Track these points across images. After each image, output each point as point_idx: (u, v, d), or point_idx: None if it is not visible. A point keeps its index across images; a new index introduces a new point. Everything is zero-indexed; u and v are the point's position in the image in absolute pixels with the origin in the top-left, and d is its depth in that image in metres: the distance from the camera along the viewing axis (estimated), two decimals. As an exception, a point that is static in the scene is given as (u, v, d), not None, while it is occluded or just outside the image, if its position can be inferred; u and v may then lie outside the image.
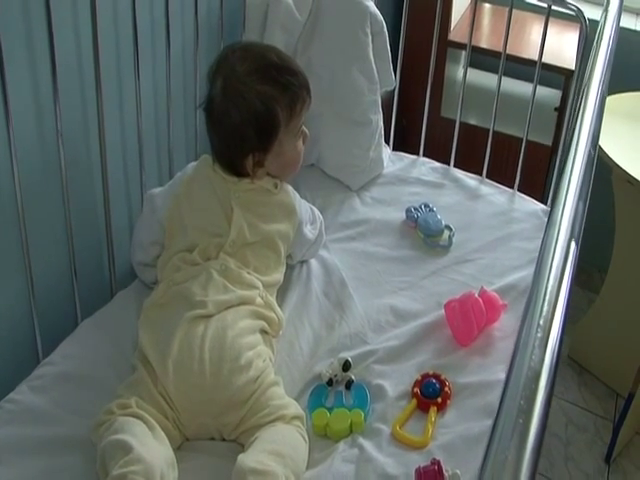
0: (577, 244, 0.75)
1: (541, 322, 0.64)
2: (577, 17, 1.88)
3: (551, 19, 1.92)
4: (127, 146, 1.61)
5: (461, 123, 2.08)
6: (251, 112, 1.42)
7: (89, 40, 1.39)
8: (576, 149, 0.87)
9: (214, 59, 1.49)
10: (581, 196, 0.81)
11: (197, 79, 1.72)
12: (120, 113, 1.56)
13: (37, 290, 1.40)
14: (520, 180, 2.01)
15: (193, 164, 1.55)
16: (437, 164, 2.07)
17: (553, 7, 1.90)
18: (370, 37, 1.86)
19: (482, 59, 2.48)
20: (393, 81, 1.97)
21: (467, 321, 1.48)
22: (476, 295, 1.52)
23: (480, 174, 2.04)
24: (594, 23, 1.67)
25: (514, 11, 1.94)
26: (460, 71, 2.73)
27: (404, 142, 2.21)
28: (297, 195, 1.58)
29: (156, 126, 1.68)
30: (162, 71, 1.63)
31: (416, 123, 2.12)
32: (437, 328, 1.51)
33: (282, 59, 1.49)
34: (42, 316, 1.43)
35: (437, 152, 2.10)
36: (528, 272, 1.65)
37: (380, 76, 1.90)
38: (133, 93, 1.55)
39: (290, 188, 1.56)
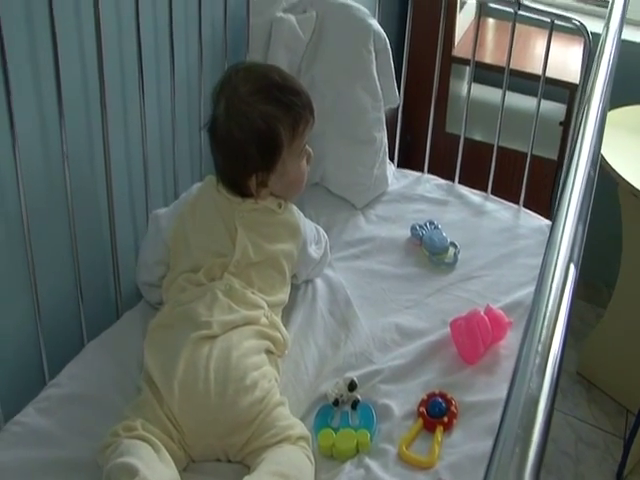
0: (577, 267, 0.75)
1: (539, 348, 0.64)
2: (580, 31, 1.88)
3: (555, 33, 1.92)
4: (132, 166, 1.61)
5: (466, 139, 2.08)
6: (254, 132, 1.42)
7: (94, 60, 1.40)
8: (576, 170, 0.87)
9: (218, 80, 1.50)
10: (581, 217, 0.81)
11: (201, 99, 1.73)
12: (125, 134, 1.57)
13: (43, 311, 1.40)
14: (526, 195, 2.01)
15: (198, 185, 1.56)
16: (442, 181, 2.07)
17: (556, 22, 1.91)
18: (374, 54, 1.86)
19: (486, 74, 2.49)
20: (397, 98, 1.97)
21: (473, 339, 1.48)
22: (482, 313, 1.51)
23: (485, 189, 2.04)
24: (597, 36, 1.67)
25: (518, 25, 1.95)
26: (464, 86, 2.73)
27: (409, 158, 2.21)
28: (301, 215, 1.58)
29: (161, 146, 1.69)
30: (167, 92, 1.64)
31: (421, 139, 2.13)
32: (443, 346, 1.51)
33: (285, 79, 1.49)
34: (48, 337, 1.43)
35: (442, 168, 2.10)
36: (534, 289, 1.64)
37: (384, 93, 1.90)
38: (138, 114, 1.55)
39: (294, 208, 1.56)
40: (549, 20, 1.90)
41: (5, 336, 1.39)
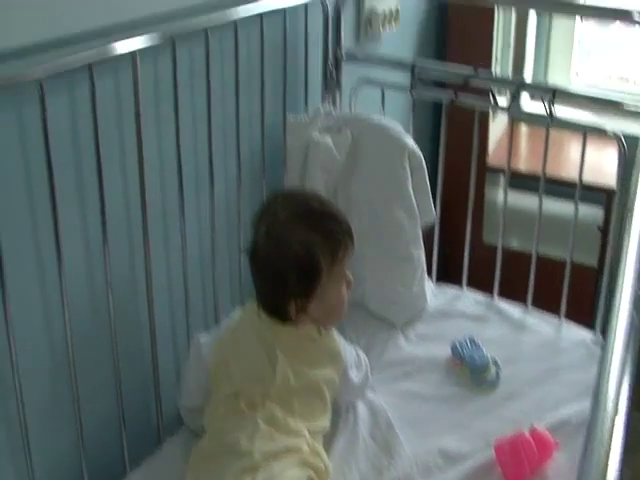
0: (626, 422, 0.74)
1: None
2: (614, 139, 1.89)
3: (589, 136, 1.91)
4: (173, 290, 1.65)
5: (504, 249, 2.07)
6: (293, 258, 1.43)
7: (136, 187, 1.45)
8: (617, 317, 0.86)
9: (258, 206, 1.52)
10: (624, 370, 0.80)
11: (240, 220, 1.76)
12: (166, 259, 1.61)
13: (86, 437, 1.41)
14: (567, 303, 1.99)
15: (239, 310, 1.58)
16: (480, 297, 2.07)
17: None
18: (409, 172, 1.89)
19: (520, 180, 2.49)
20: (433, 214, 1.99)
21: (518, 461, 1.45)
22: (527, 434, 1.49)
23: (525, 299, 2.03)
24: (633, 139, 1.64)
25: (551, 131, 1.95)
26: (500, 193, 2.74)
27: (447, 271, 2.21)
28: (342, 339, 1.57)
29: (201, 270, 1.72)
30: (206, 215, 1.68)
31: (458, 251, 2.13)
32: (487, 470, 1.48)
33: (324, 205, 1.52)
34: (90, 463, 1.43)
35: (481, 280, 2.09)
36: (579, 405, 1.62)
37: (420, 210, 1.92)
38: (179, 238, 1.59)
39: (335, 332, 1.56)
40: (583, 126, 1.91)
41: (48, 463, 1.40)
